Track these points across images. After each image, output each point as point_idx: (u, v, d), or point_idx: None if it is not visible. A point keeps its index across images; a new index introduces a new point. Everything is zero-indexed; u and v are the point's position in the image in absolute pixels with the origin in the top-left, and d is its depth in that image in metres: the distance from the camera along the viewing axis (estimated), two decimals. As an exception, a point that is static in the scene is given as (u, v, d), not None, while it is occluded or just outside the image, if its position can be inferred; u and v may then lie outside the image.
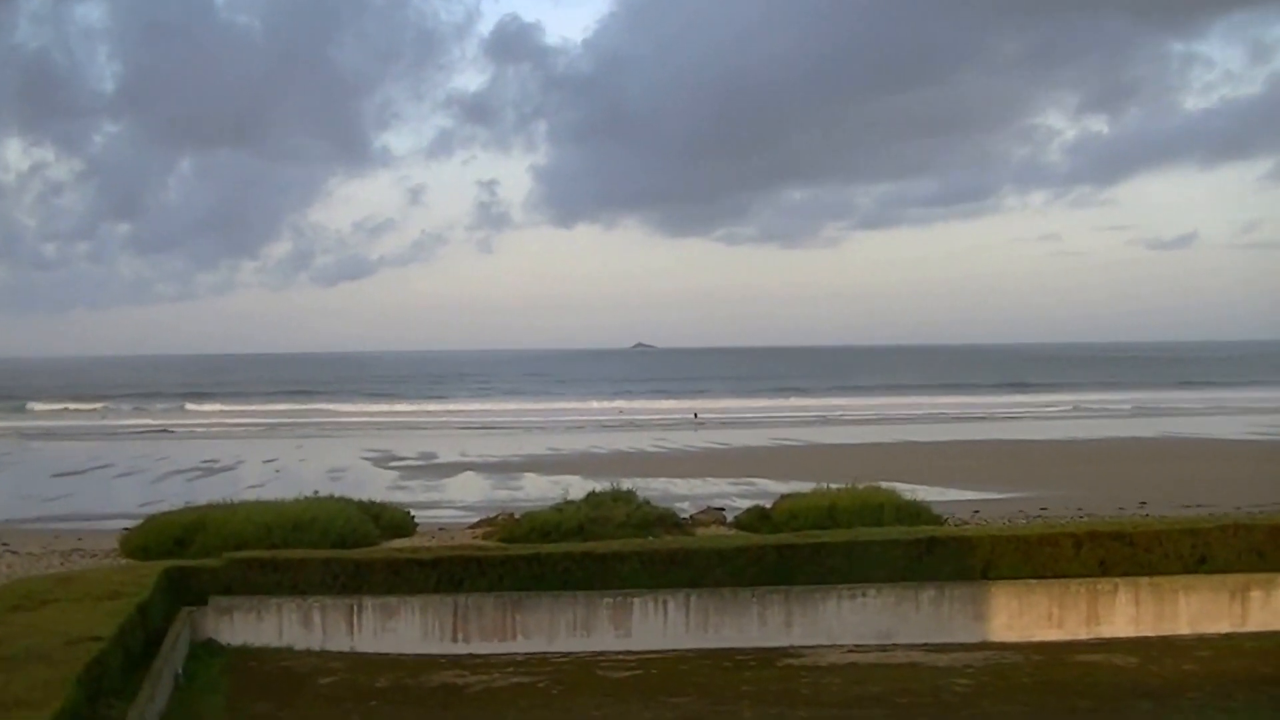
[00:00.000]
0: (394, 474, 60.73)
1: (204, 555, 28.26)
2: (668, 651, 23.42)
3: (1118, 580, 24.50)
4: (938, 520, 34.15)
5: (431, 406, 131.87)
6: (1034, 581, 24.45)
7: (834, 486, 37.59)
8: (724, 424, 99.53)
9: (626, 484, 41.44)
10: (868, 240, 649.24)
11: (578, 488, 43.48)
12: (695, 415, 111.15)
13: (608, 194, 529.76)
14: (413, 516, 39.57)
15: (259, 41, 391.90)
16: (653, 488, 49.14)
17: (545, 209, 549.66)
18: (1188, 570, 24.95)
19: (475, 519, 41.10)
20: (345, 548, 29.48)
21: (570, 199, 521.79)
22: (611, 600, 24.05)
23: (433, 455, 71.10)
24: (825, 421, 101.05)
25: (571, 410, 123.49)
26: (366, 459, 69.28)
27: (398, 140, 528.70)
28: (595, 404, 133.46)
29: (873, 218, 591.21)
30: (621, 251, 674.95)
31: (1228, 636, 23.80)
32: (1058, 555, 24.95)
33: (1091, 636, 23.98)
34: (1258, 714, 19.41)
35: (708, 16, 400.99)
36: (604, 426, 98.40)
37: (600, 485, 41.48)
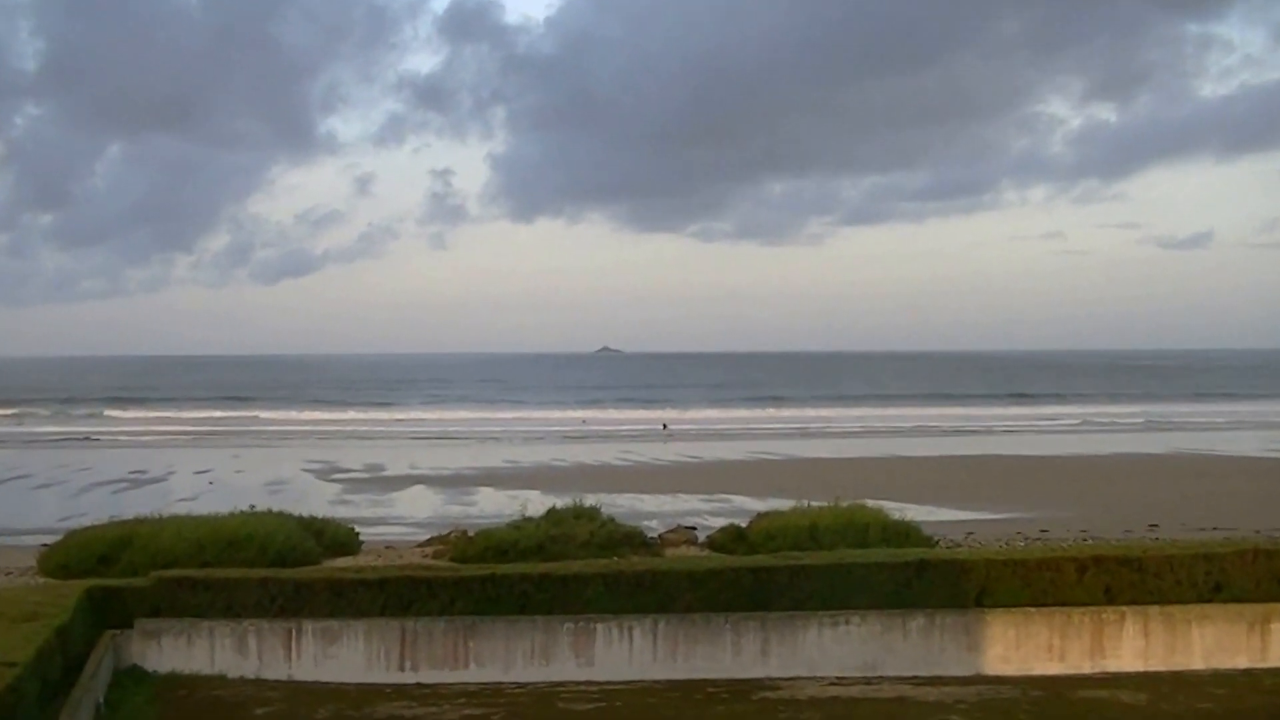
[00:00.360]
0: (338, 487, 60.45)
1: (130, 574, 28.04)
2: (633, 682, 23.34)
3: (1125, 609, 24.54)
4: (928, 542, 34.16)
5: (379, 415, 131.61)
6: (1033, 610, 24.48)
7: (815, 504, 37.52)
8: (696, 436, 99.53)
9: (590, 500, 41.27)
10: (855, 237, 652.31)
11: (537, 503, 43.34)
12: (665, 426, 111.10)
13: (571, 186, 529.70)
14: (357, 533, 39.31)
15: (195, 17, 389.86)
16: (618, 504, 49.03)
17: (504, 201, 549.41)
18: (1202, 599, 24.98)
19: (425, 536, 40.86)
20: (284, 567, 29.28)
21: (531, 191, 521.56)
22: (573, 626, 23.95)
23: (380, 467, 70.87)
24: (806, 434, 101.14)
25: (531, 420, 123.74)
26: (308, 471, 68.99)
27: (344, 126, 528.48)
28: (557, 413, 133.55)
29: (860, 212, 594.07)
30: (586, 248, 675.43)
31: (1246, 672, 23.84)
32: (1059, 581, 24.97)
33: (1096, 670, 24.02)
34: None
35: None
36: (566, 437, 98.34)
37: (561, 501, 41.37)
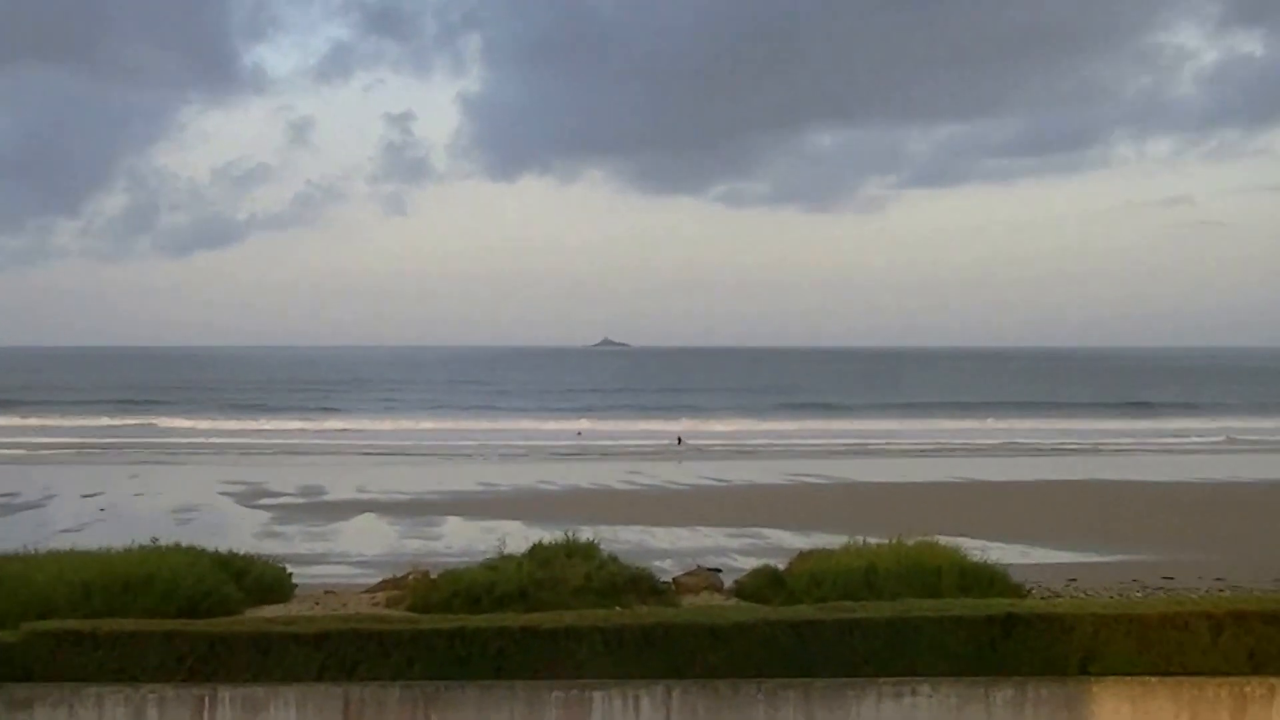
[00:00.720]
0: (265, 515, 60.59)
1: (-5, 625, 28.00)
2: (642, 768, 23.26)
3: (1275, 681, 24.39)
4: (1018, 591, 34.10)
5: (319, 424, 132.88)
6: (1154, 680, 24.34)
7: (873, 542, 37.55)
8: (721, 453, 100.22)
9: (586, 533, 41.31)
10: (924, 202, 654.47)
11: (518, 538, 43.37)
12: (680, 440, 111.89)
13: (564, 135, 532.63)
14: (290, 574, 39.34)
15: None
16: (622, 539, 49.44)
17: (478, 154, 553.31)
18: (1378, 669, 24.85)
19: (376, 579, 40.93)
20: (195, 616, 29.23)
21: (513, 141, 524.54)
22: (563, 695, 23.85)
23: (319, 490, 71.19)
24: (862, 451, 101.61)
25: (512, 431, 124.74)
26: (227, 494, 69.27)
27: (275, 57, 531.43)
28: (545, 423, 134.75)
29: (932, 171, 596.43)
30: (583, 215, 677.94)
31: None
32: (1188, 643, 24.85)
33: (1237, 759, 23.93)
34: None
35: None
36: (556, 454, 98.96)
37: (550, 535, 41.32)
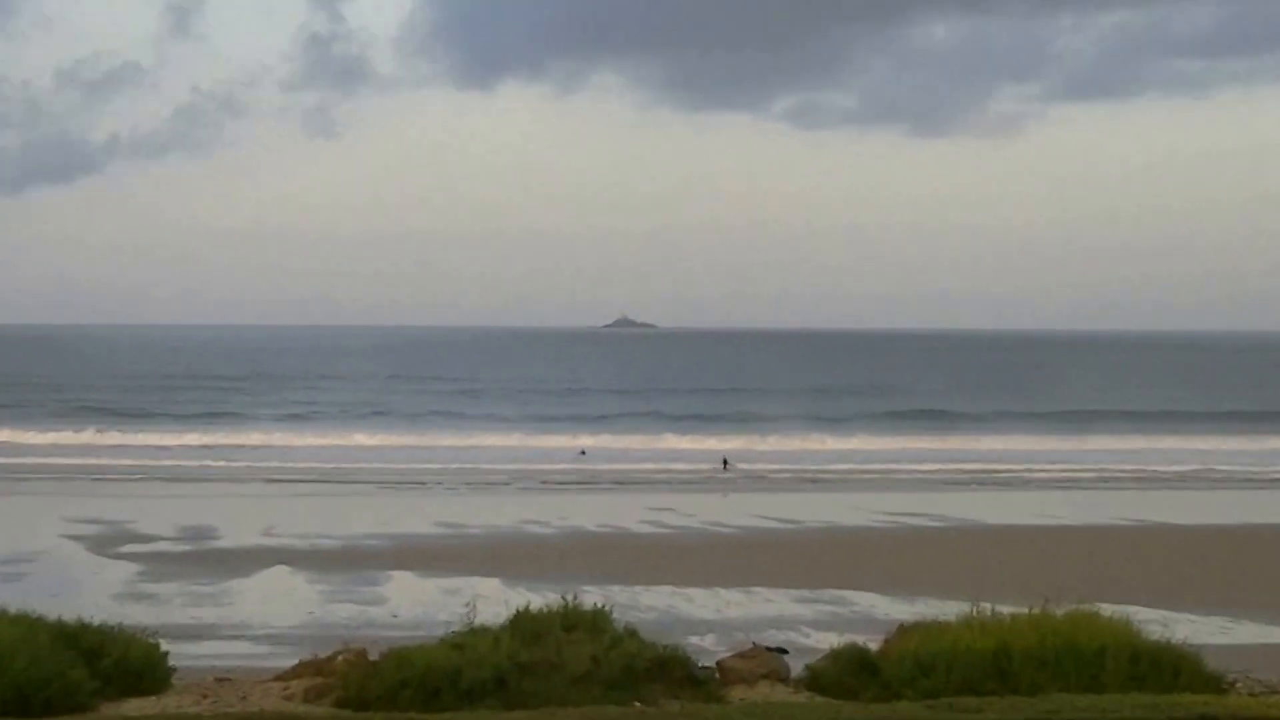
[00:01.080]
0: (130, 569, 60.59)
1: None
2: None
3: None
4: (1216, 684, 34.03)
5: (209, 437, 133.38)
6: None
7: (1006, 611, 37.51)
8: (783, 482, 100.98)
9: (592, 596, 41.42)
10: (1080, 121, 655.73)
11: (496, 602, 43.52)
12: (726, 464, 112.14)
13: (564, 25, 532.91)
14: (166, 654, 39.37)
15: None
16: (645, 605, 49.80)
17: (439, 52, 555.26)
18: None
19: (292, 660, 40.96)
20: (30, 715, 29.29)
21: (490, 34, 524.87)
22: (561, 831, 23.94)
23: (209, 533, 71.31)
24: (989, 480, 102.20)
25: (488, 450, 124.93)
26: (74, 537, 69.32)
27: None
28: (535, 438, 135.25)
29: (1091, 78, 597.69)
30: (591, 139, 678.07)
31: None
32: None
33: None
34: None
35: None
36: (550, 482, 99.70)
37: (541, 599, 41.47)
